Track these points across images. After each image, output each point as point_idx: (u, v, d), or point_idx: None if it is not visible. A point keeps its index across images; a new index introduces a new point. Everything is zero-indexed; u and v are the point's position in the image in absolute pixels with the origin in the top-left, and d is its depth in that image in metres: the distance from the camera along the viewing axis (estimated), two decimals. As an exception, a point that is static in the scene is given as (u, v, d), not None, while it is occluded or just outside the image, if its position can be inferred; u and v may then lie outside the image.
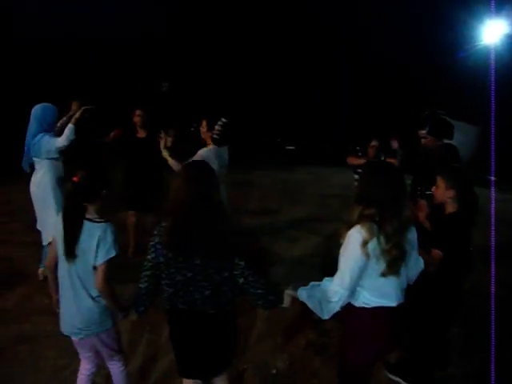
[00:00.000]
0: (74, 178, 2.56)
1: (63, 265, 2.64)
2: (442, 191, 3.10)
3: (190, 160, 4.42)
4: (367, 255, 2.33)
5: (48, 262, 2.81)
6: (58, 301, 2.78)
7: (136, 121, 5.54)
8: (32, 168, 4.80)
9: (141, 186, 5.57)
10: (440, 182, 3.11)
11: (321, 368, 3.69)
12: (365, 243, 2.31)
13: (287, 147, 13.60)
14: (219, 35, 13.97)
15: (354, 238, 2.34)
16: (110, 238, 2.59)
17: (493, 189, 8.32)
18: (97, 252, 2.56)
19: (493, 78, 4.45)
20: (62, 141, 4.53)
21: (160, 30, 13.52)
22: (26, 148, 4.69)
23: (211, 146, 4.57)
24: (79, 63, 12.93)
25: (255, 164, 13.10)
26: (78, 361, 3.01)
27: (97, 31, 12.34)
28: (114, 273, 2.66)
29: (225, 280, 2.40)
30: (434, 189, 3.19)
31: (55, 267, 2.72)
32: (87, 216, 2.61)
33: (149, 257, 2.44)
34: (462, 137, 12.18)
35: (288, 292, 2.57)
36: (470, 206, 3.21)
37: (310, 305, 2.51)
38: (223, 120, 4.55)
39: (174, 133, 5.16)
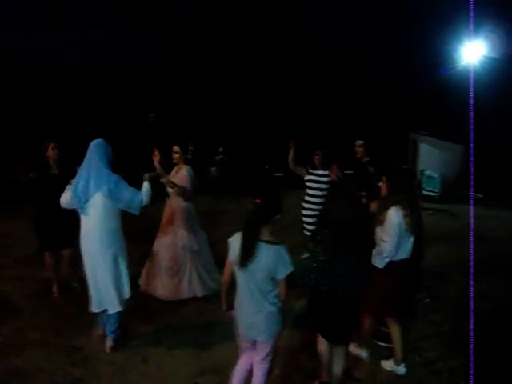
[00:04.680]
0: (257, 200, 2.97)
1: (242, 279, 3.07)
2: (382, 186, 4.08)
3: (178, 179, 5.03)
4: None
5: (225, 277, 3.23)
6: (227, 309, 3.26)
7: (50, 155, 5.11)
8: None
9: (53, 224, 5.12)
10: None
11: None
12: (405, 216, 3.60)
13: (275, 174, 13.69)
14: (206, 65, 14.15)
15: (395, 214, 3.61)
16: (286, 256, 3.00)
17: (471, 204, 8.60)
18: (277, 268, 2.98)
19: (471, 98, 4.60)
20: (146, 199, 4.16)
21: (149, 60, 13.67)
22: (84, 186, 4.02)
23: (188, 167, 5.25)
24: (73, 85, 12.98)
25: (244, 191, 13.13)
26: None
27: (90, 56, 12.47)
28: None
29: (361, 269, 3.28)
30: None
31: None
32: (262, 238, 2.97)
33: (314, 264, 3.30)
34: (446, 155, 12.41)
35: None
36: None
37: None
38: (190, 143, 5.42)
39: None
